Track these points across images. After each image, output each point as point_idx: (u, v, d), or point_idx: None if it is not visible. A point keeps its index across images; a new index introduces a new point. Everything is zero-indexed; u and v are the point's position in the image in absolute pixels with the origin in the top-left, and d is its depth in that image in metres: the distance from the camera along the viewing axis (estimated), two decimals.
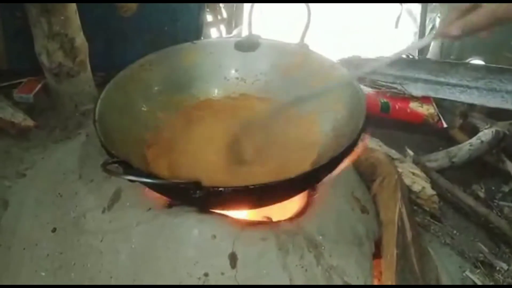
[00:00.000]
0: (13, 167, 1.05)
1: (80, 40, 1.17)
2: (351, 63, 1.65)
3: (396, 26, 2.11)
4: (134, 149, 0.81)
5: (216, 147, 0.85)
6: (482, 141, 1.35)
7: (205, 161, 0.83)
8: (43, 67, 1.18)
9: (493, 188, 1.32)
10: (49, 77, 1.20)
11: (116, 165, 0.66)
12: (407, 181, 1.13)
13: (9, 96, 1.25)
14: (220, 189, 0.63)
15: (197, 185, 0.61)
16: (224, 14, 2.09)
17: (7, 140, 1.11)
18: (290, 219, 0.80)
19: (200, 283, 0.68)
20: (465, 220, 1.20)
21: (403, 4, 2.00)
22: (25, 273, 0.85)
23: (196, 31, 1.57)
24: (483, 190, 1.30)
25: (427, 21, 1.92)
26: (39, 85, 1.29)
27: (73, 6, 1.12)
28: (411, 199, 1.12)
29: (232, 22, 2.08)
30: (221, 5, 2.06)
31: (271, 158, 0.83)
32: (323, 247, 0.75)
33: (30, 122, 1.14)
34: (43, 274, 0.84)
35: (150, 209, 0.77)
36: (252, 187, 0.62)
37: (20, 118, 1.13)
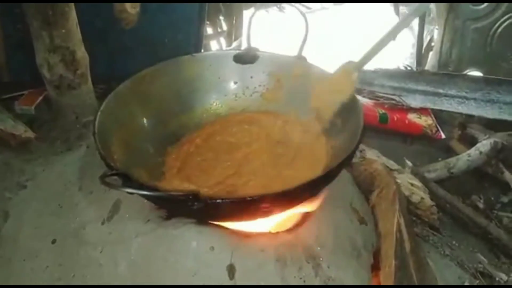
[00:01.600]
0: (13, 178, 1.05)
1: (81, 52, 1.18)
2: None
3: (394, 38, 2.12)
4: (134, 161, 0.82)
5: (216, 158, 0.86)
6: (480, 152, 1.35)
7: (204, 173, 0.83)
8: (44, 79, 1.19)
9: (492, 198, 1.32)
10: (50, 89, 1.21)
11: (115, 177, 0.66)
12: (406, 192, 1.13)
13: (10, 108, 1.26)
14: (218, 201, 0.64)
15: (195, 197, 0.62)
16: (224, 27, 2.11)
17: (8, 152, 1.11)
18: (288, 230, 0.80)
19: None
20: (464, 231, 1.20)
21: (400, 15, 2.02)
22: (25, 284, 0.85)
23: (196, 44, 1.59)
24: (482, 201, 1.30)
25: (425, 33, 1.93)
26: (40, 97, 1.30)
27: (74, 19, 1.13)
28: (409, 210, 1.12)
29: (232, 35, 2.09)
30: (221, 17, 2.09)
31: (268, 170, 0.84)
32: (321, 259, 0.75)
33: (31, 134, 1.14)
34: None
35: (149, 220, 0.77)
36: (249, 199, 0.63)
37: (21, 130, 1.13)
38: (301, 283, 0.71)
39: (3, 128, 1.11)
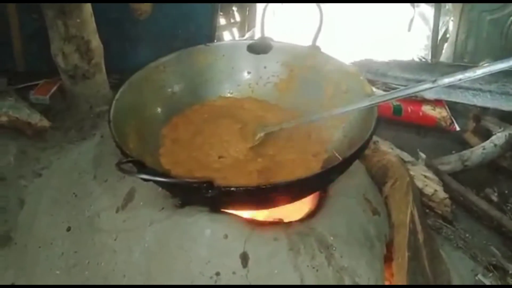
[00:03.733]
0: (29, 167, 1.06)
1: (96, 42, 1.19)
2: (364, 66, 1.65)
3: (409, 29, 2.11)
4: (148, 148, 0.83)
5: (230, 147, 0.85)
6: (495, 145, 1.34)
7: (219, 161, 0.83)
8: (59, 69, 1.20)
9: (506, 192, 1.31)
10: (65, 79, 1.22)
11: (130, 164, 0.67)
12: (419, 184, 1.13)
13: (26, 98, 1.27)
14: (232, 188, 0.64)
15: (209, 184, 0.62)
16: (237, 18, 2.11)
17: (24, 140, 1.13)
18: (302, 220, 0.80)
19: (212, 282, 0.69)
20: (478, 223, 1.19)
21: (415, 7, 2.00)
22: (40, 271, 0.87)
23: (209, 34, 1.59)
24: (496, 194, 1.29)
25: (440, 24, 1.91)
26: (55, 87, 1.31)
27: (89, 9, 1.14)
28: (423, 202, 1.12)
29: (245, 25, 2.09)
30: (234, 8, 2.08)
31: (284, 159, 0.84)
32: (334, 248, 0.75)
33: (46, 123, 1.16)
34: (58, 272, 0.86)
35: (163, 208, 0.78)
36: (263, 187, 0.63)
37: (37, 119, 1.15)
38: (313, 272, 0.71)
39: (18, 116, 1.13)
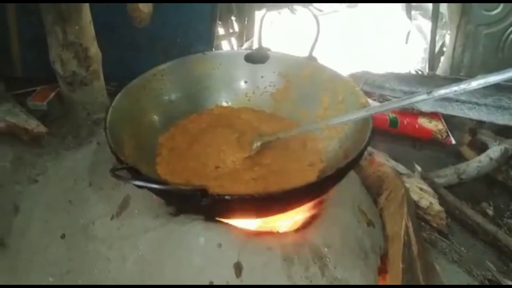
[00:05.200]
0: (25, 172, 1.06)
1: (94, 49, 1.19)
2: (361, 77, 1.66)
3: (406, 42, 2.13)
4: (145, 157, 0.83)
5: (227, 157, 0.85)
6: (491, 158, 1.34)
7: (216, 170, 0.83)
8: (57, 75, 1.20)
9: (501, 206, 1.31)
10: (63, 85, 1.22)
11: (125, 171, 0.67)
12: (415, 196, 1.13)
13: (23, 104, 1.27)
14: (226, 197, 0.64)
15: (204, 192, 0.62)
16: (236, 28, 2.12)
17: (20, 146, 1.12)
18: (296, 230, 0.80)
19: None
20: (473, 237, 1.18)
21: (413, 20, 2.02)
22: (33, 278, 0.87)
23: (207, 43, 1.59)
24: (491, 208, 1.29)
25: (437, 38, 1.92)
26: (53, 93, 1.31)
27: (88, 16, 1.14)
28: (418, 214, 1.12)
29: (243, 35, 2.10)
30: (233, 18, 2.09)
31: (279, 169, 0.84)
32: (328, 259, 0.75)
33: (43, 129, 1.15)
34: (51, 279, 0.85)
35: (157, 216, 0.78)
36: (258, 195, 0.63)
37: (33, 125, 1.15)
38: (307, 282, 0.71)
39: (15, 122, 1.13)
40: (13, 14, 1.31)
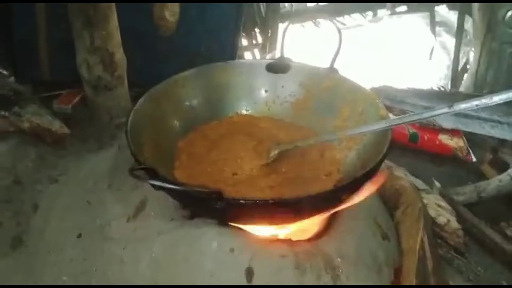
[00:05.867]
0: (46, 172, 1.08)
1: (120, 55, 1.22)
2: (382, 92, 1.66)
3: (430, 57, 2.11)
4: (163, 161, 0.84)
5: (245, 164, 0.86)
6: (511, 178, 1.32)
7: (233, 177, 0.84)
8: (83, 79, 1.23)
9: None
10: (88, 89, 1.25)
11: (143, 172, 0.68)
12: (432, 213, 1.11)
13: (49, 106, 1.30)
14: (241, 201, 0.64)
15: (218, 195, 0.63)
16: (259, 39, 2.14)
17: (43, 146, 1.15)
18: (310, 239, 0.80)
19: None
20: (491, 257, 1.16)
21: (437, 36, 2.01)
22: (48, 276, 0.88)
23: (231, 53, 1.61)
24: (511, 228, 1.26)
25: (460, 55, 1.91)
26: (78, 97, 1.35)
27: (115, 22, 1.17)
28: (435, 231, 1.10)
29: (266, 47, 2.12)
30: (257, 30, 2.12)
31: (295, 177, 0.84)
32: (340, 270, 0.75)
33: (66, 131, 1.18)
34: (65, 278, 0.86)
35: (172, 219, 0.79)
36: (272, 201, 0.64)
37: (57, 126, 1.17)
38: None
39: (40, 123, 1.15)
40: (43, 19, 1.35)
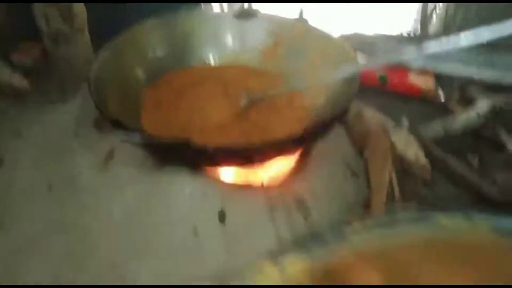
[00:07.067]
0: (9, 126, 1.05)
1: (79, 7, 1.17)
2: (352, 39, 1.64)
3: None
4: (129, 110, 0.82)
5: (213, 112, 0.86)
6: (478, 114, 1.35)
7: (199, 123, 0.84)
8: (42, 32, 1.18)
9: (487, 158, 1.32)
10: (47, 42, 1.20)
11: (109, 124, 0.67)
12: (401, 149, 1.14)
13: (8, 59, 1.26)
14: (209, 148, 0.64)
15: (186, 144, 0.62)
16: None
17: (4, 100, 1.12)
18: (280, 181, 0.82)
19: (191, 236, 0.70)
20: (457, 188, 1.20)
21: None
22: (19, 230, 0.85)
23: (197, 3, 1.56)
24: (477, 160, 1.30)
25: None
26: (38, 50, 1.30)
27: None
28: (403, 167, 1.13)
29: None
30: None
31: (264, 124, 0.84)
32: (310, 206, 0.77)
33: (27, 84, 1.15)
34: (38, 229, 0.85)
35: (143, 168, 0.78)
36: (241, 147, 0.64)
37: (18, 80, 1.14)
38: (289, 226, 0.73)
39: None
40: None
